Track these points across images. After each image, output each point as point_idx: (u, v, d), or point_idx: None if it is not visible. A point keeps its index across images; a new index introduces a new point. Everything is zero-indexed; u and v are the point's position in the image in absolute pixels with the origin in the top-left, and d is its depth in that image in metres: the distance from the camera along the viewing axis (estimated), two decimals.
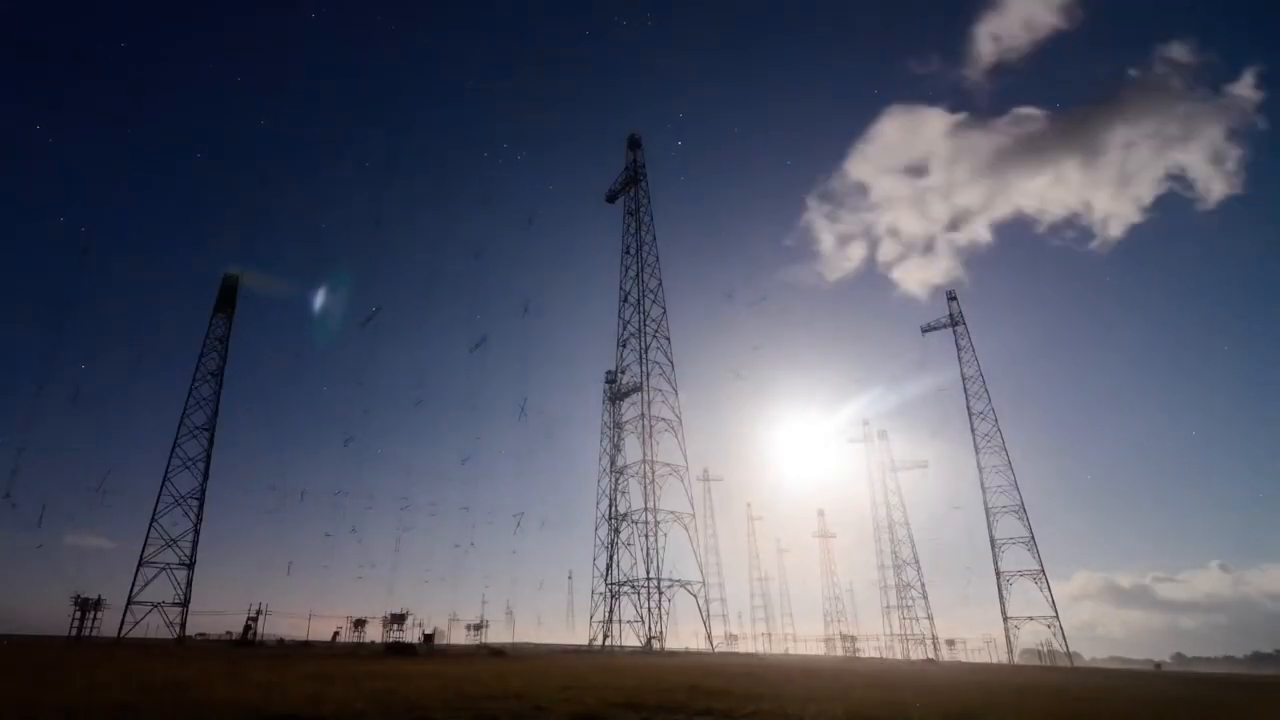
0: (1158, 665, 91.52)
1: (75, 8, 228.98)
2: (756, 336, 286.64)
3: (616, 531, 76.30)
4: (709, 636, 73.56)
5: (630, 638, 68.59)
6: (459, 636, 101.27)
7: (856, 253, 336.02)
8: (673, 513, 68.93)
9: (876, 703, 14.62)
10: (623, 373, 77.08)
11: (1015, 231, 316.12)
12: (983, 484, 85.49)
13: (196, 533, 64.30)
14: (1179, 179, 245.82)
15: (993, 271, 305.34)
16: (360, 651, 45.37)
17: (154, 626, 64.60)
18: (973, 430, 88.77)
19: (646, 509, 67.99)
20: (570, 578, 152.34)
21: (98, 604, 60.89)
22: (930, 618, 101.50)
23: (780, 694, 15.69)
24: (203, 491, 65.47)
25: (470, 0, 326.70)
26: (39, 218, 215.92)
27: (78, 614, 59.93)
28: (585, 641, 78.93)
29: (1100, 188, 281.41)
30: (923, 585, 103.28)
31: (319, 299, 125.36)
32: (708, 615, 73.67)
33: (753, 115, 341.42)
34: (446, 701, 11.32)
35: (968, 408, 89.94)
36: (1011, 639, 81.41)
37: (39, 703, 9.59)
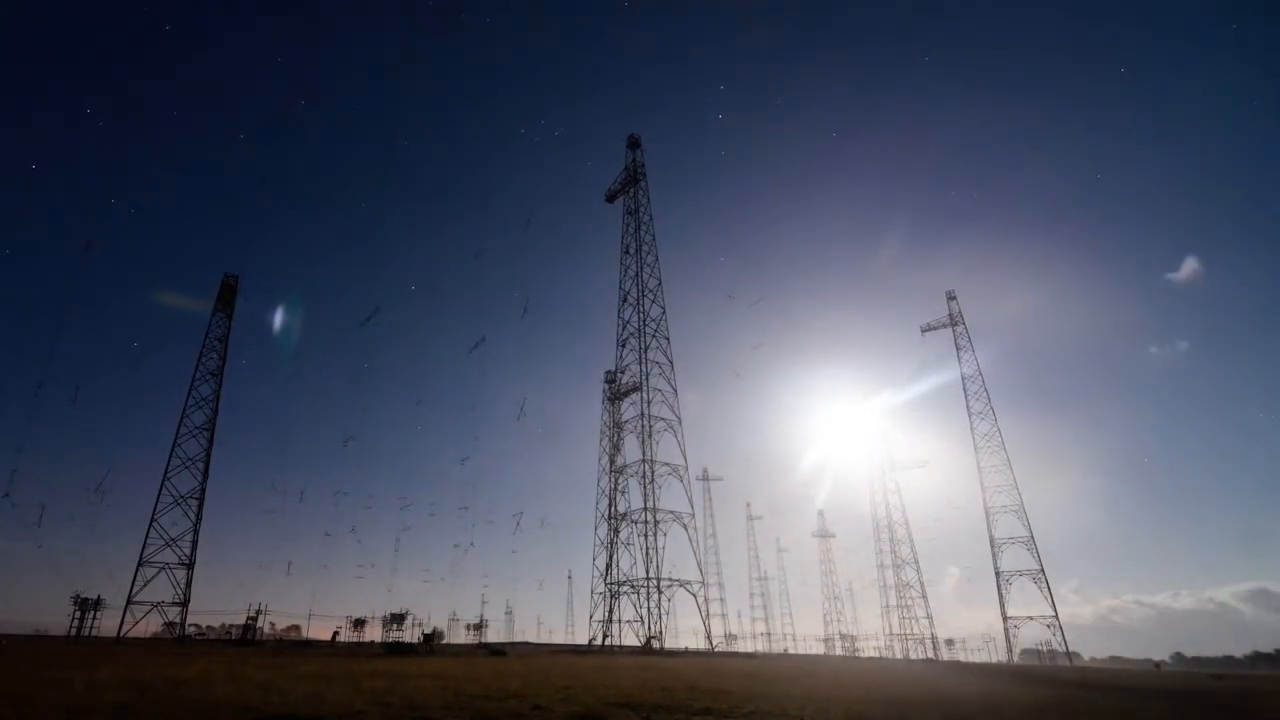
0: (1157, 665, 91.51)
1: (81, 8, 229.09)
2: (756, 336, 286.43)
3: (616, 531, 76.31)
4: (708, 636, 73.60)
5: (630, 637, 68.65)
6: (459, 636, 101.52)
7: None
8: (672, 512, 68.94)
9: (875, 702, 14.64)
10: (622, 373, 77.06)
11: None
12: (982, 484, 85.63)
13: (196, 532, 64.37)
14: None
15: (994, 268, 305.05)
16: (360, 651, 45.39)
17: (154, 626, 64.71)
18: (972, 430, 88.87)
19: (646, 509, 67.98)
20: (570, 577, 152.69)
21: (97, 604, 60.87)
22: (930, 617, 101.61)
23: (779, 694, 15.72)
24: (202, 491, 65.53)
25: None
26: (39, 217, 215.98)
27: (77, 613, 59.92)
28: (585, 641, 78.88)
29: None
30: (922, 585, 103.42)
31: (279, 316, 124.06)
32: (707, 615, 73.73)
33: (757, 108, 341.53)
34: (446, 701, 11.34)
35: (967, 407, 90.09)
36: (1011, 638, 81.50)
37: (39, 702, 9.60)
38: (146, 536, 62.55)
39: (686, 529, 68.71)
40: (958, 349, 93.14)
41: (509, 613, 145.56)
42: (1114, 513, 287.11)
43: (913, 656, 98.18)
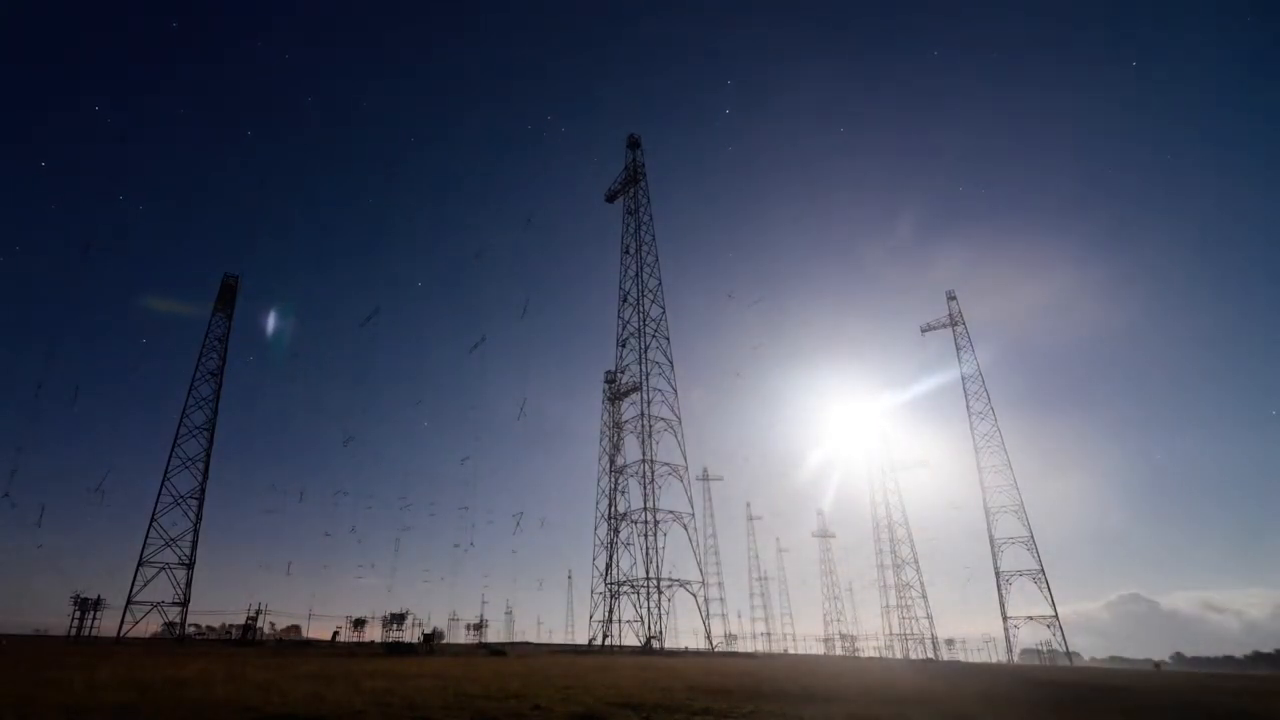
0: (1157, 665, 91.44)
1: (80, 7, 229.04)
2: (756, 335, 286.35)
3: (616, 531, 76.30)
4: (708, 636, 73.60)
5: (630, 637, 68.67)
6: (459, 636, 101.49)
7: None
8: (672, 513, 68.93)
9: (875, 702, 14.65)
10: (622, 373, 77.04)
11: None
12: (982, 484, 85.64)
13: (196, 532, 64.36)
14: None
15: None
16: (360, 651, 45.39)
17: (154, 626, 64.68)
18: (972, 430, 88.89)
19: (646, 509, 67.98)
20: (570, 577, 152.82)
21: (97, 604, 60.88)
22: (930, 617, 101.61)
23: (779, 693, 15.72)
24: (202, 491, 65.51)
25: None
26: (40, 216, 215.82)
27: (77, 613, 59.93)
28: (585, 641, 78.87)
29: None
30: (922, 585, 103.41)
31: (279, 317, 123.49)
32: (707, 615, 73.74)
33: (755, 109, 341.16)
34: (446, 701, 11.35)
35: (967, 407, 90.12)
36: (1011, 638, 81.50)
37: (39, 702, 9.60)
38: (146, 536, 62.59)
39: (686, 529, 68.73)
40: (958, 349, 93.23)
41: (509, 613, 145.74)
42: (1114, 512, 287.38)
43: (913, 656, 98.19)
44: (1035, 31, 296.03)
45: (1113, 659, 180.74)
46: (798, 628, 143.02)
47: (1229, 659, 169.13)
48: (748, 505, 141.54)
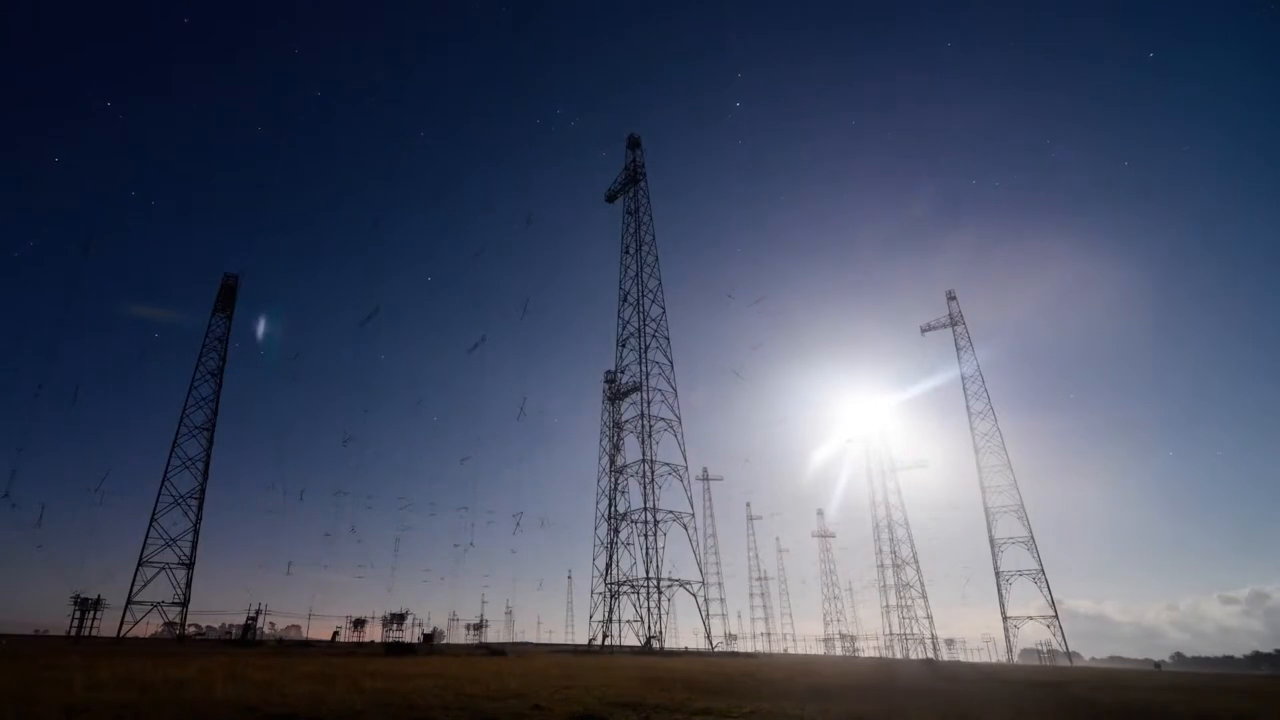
0: (1157, 665, 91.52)
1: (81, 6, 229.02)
2: (756, 335, 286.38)
3: (616, 531, 76.28)
4: (708, 636, 73.59)
5: (630, 637, 68.67)
6: (459, 636, 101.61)
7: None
8: (672, 512, 68.93)
9: (876, 701, 14.65)
10: (622, 373, 77.04)
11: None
12: (982, 484, 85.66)
13: (196, 532, 64.35)
14: None
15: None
16: (360, 651, 45.37)
17: (154, 626, 64.69)
18: (972, 430, 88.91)
19: (646, 509, 67.97)
20: (570, 577, 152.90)
21: (97, 603, 60.87)
22: (930, 617, 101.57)
23: (779, 693, 15.72)
24: (202, 491, 65.49)
25: None
26: (41, 216, 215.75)
27: (77, 613, 59.91)
28: (585, 641, 78.84)
29: None
30: (922, 585, 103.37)
31: (269, 321, 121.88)
32: (707, 615, 73.73)
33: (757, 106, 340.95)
34: (446, 701, 11.34)
35: (967, 407, 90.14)
36: (1011, 638, 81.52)
37: (40, 701, 9.59)
38: (146, 536, 62.59)
39: (686, 529, 68.73)
40: (958, 349, 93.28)
41: (509, 613, 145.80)
42: (1114, 512, 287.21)
43: (913, 656, 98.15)
44: (1047, 24, 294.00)
45: (1112, 658, 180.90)
46: (798, 628, 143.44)
47: (1229, 659, 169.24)
48: (748, 505, 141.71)
